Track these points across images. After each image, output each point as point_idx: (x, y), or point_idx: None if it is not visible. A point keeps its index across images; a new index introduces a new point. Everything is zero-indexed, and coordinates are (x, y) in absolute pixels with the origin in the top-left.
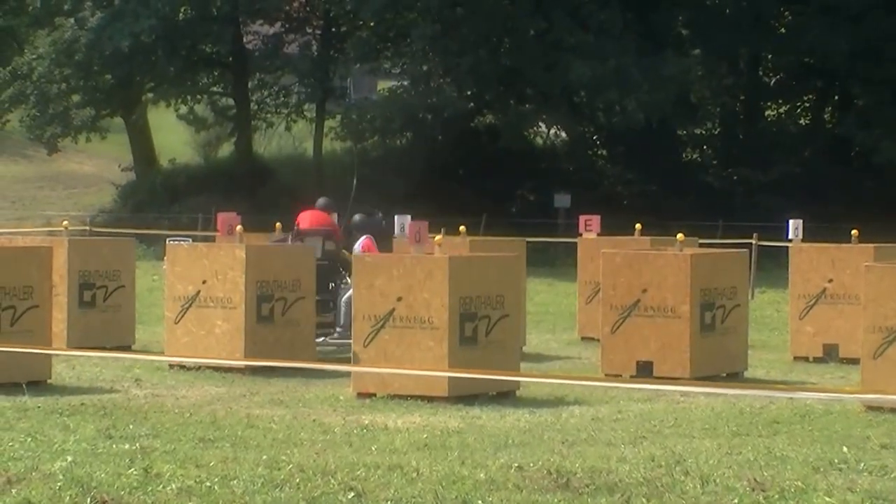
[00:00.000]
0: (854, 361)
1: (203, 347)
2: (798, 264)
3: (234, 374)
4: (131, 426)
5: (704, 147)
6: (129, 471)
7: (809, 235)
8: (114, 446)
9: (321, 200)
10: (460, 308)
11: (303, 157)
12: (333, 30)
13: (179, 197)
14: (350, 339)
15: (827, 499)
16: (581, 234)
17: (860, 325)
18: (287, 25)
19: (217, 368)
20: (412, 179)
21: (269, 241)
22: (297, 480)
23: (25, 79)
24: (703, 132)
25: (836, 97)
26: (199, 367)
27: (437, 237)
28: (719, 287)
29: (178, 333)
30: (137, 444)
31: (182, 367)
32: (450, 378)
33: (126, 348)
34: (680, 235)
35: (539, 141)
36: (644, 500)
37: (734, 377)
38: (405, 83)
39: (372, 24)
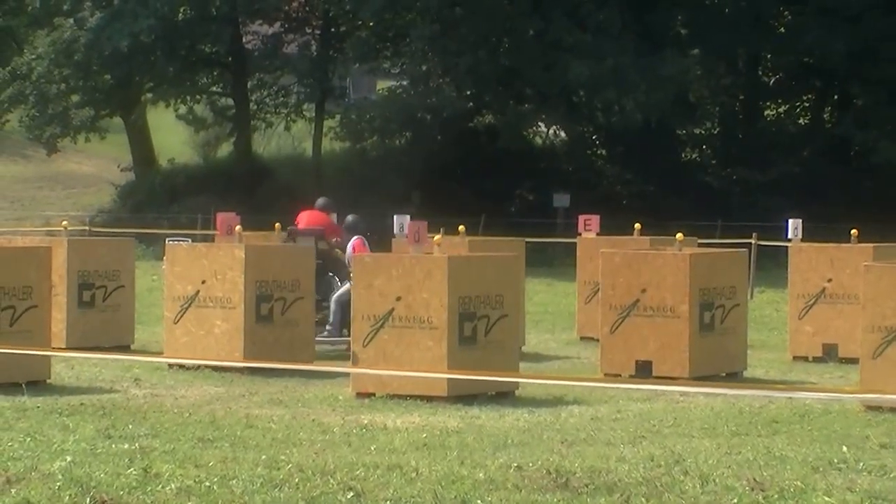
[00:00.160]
0: (853, 361)
1: (202, 347)
2: (797, 264)
3: (233, 373)
4: (130, 426)
5: (703, 147)
6: (129, 471)
7: (808, 235)
8: (113, 446)
9: (320, 200)
10: (459, 308)
11: (302, 157)
12: (332, 30)
13: (179, 197)
14: (340, 337)
15: (826, 498)
16: (580, 234)
17: (859, 325)
18: (286, 25)
19: (216, 368)
20: (411, 179)
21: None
22: (297, 480)
23: (25, 79)
24: (702, 132)
25: (836, 97)
26: (198, 367)
27: (437, 237)
28: (718, 287)
29: (178, 333)
30: (136, 444)
31: (181, 366)
32: (449, 378)
33: (125, 348)
34: (679, 235)
35: (538, 141)
36: (643, 499)
37: (733, 377)
38: (404, 83)
39: (371, 24)
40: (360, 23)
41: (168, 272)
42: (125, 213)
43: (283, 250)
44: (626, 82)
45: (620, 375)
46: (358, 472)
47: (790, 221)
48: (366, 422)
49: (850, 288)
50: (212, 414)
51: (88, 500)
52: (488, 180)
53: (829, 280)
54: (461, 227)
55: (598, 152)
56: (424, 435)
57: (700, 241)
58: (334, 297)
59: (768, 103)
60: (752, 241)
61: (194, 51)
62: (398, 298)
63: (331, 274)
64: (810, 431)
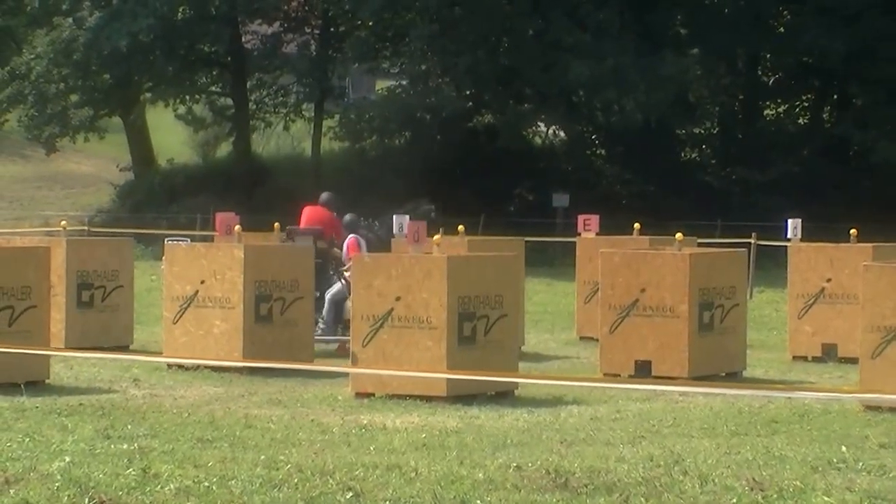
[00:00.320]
0: (852, 361)
1: (201, 347)
2: (797, 264)
3: (233, 373)
4: (129, 426)
5: (703, 147)
6: (128, 471)
7: (808, 235)
8: (112, 446)
9: (324, 196)
10: (459, 308)
11: (301, 157)
12: (332, 29)
13: (178, 197)
14: (333, 335)
15: (825, 498)
16: (579, 234)
17: (859, 325)
18: (285, 25)
19: (215, 368)
20: (410, 179)
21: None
22: (296, 480)
23: (23, 79)
24: (702, 132)
25: (835, 97)
26: (197, 367)
27: (436, 237)
28: (718, 287)
29: (177, 333)
30: (136, 445)
31: (180, 367)
32: (448, 378)
33: (124, 348)
34: (678, 235)
35: (537, 141)
36: (643, 499)
37: (733, 377)
38: (403, 83)
39: (370, 23)
40: (359, 22)
41: (167, 272)
42: (124, 213)
43: (282, 250)
44: (626, 82)
45: (620, 375)
46: (357, 473)
47: (789, 221)
48: (365, 422)
49: (849, 288)
50: (211, 414)
51: (87, 500)
52: (488, 180)
53: (829, 280)
54: (460, 227)
55: (598, 152)
56: (424, 435)
57: (699, 240)
58: (328, 294)
59: (768, 103)
60: (752, 241)
61: (193, 50)
62: (397, 298)
63: (331, 272)
64: (809, 431)
